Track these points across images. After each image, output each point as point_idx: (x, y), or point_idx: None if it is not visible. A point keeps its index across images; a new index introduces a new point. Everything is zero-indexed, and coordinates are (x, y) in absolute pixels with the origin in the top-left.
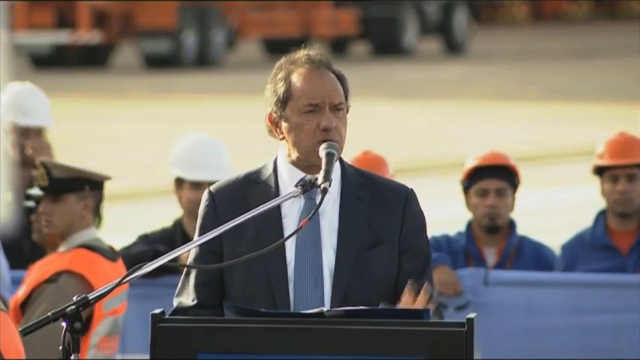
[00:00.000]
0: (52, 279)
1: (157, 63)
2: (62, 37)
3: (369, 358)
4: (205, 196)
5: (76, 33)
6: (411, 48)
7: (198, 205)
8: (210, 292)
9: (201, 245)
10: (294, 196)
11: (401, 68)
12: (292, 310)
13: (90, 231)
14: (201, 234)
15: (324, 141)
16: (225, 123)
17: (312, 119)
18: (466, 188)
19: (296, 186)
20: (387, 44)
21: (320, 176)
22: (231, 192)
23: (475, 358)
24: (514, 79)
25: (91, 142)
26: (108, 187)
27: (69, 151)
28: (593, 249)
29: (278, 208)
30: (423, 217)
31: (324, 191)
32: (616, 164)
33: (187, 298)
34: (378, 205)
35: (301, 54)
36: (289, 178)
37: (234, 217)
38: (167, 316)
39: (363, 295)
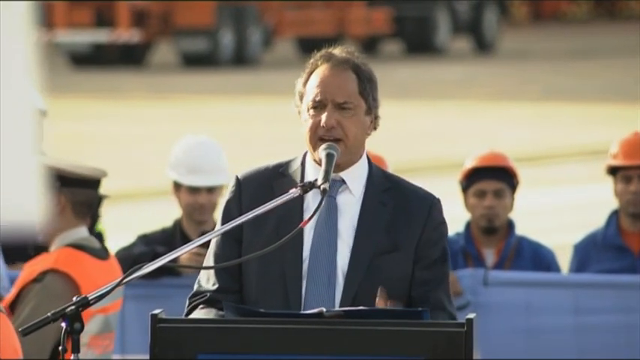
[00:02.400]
0: (38, 278)
1: (194, 61)
2: (101, 35)
3: (368, 358)
4: (232, 182)
5: (116, 32)
6: (443, 47)
7: (197, 209)
8: (230, 277)
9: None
10: (293, 197)
11: (400, 69)
12: (303, 306)
13: (78, 230)
14: (223, 219)
15: (322, 138)
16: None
17: (315, 115)
18: (464, 189)
19: (296, 187)
20: (419, 43)
21: (319, 177)
22: (258, 182)
23: (474, 358)
24: (514, 79)
25: (106, 141)
26: (114, 187)
27: (87, 150)
28: (605, 249)
29: (301, 201)
30: (445, 228)
31: (324, 192)
32: (629, 165)
33: (208, 282)
34: (401, 212)
35: (326, 51)
36: (313, 173)
37: (258, 207)
38: (168, 318)
39: (373, 299)
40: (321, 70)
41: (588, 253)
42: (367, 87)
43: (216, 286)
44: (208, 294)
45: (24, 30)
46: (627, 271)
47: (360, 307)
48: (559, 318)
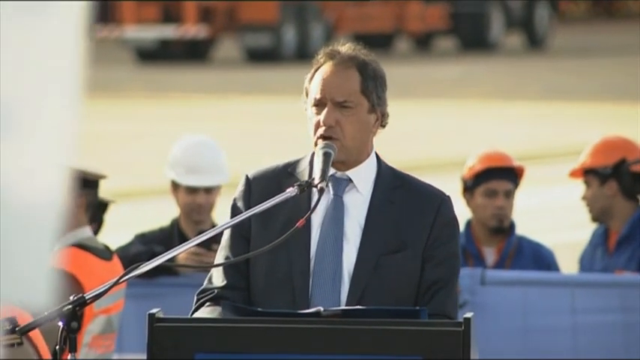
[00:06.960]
0: None
1: (258, 57)
2: (168, 31)
3: (366, 357)
4: (242, 181)
5: (182, 27)
6: (496, 43)
7: (194, 209)
8: (238, 274)
9: (233, 228)
10: (291, 196)
11: (400, 68)
12: (310, 303)
13: (83, 230)
14: (232, 217)
15: (322, 137)
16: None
17: (317, 114)
18: (470, 188)
19: (293, 186)
20: (474, 39)
21: (316, 176)
22: (267, 181)
23: (472, 357)
24: (513, 79)
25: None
26: (117, 186)
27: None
28: (594, 248)
29: (309, 200)
30: (455, 226)
31: (321, 191)
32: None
33: (217, 279)
34: (409, 209)
35: (332, 48)
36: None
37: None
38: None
39: (380, 298)
40: (324, 68)
41: (587, 251)
42: (370, 85)
43: (224, 282)
44: (216, 291)
45: (76, 32)
46: (603, 270)
47: (358, 307)
48: (556, 317)
